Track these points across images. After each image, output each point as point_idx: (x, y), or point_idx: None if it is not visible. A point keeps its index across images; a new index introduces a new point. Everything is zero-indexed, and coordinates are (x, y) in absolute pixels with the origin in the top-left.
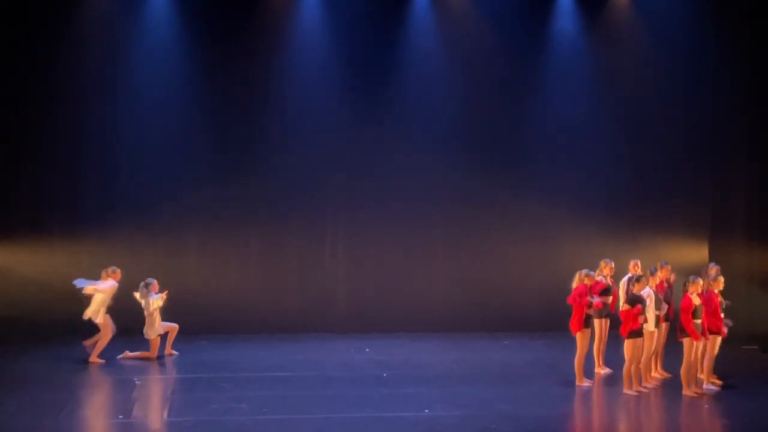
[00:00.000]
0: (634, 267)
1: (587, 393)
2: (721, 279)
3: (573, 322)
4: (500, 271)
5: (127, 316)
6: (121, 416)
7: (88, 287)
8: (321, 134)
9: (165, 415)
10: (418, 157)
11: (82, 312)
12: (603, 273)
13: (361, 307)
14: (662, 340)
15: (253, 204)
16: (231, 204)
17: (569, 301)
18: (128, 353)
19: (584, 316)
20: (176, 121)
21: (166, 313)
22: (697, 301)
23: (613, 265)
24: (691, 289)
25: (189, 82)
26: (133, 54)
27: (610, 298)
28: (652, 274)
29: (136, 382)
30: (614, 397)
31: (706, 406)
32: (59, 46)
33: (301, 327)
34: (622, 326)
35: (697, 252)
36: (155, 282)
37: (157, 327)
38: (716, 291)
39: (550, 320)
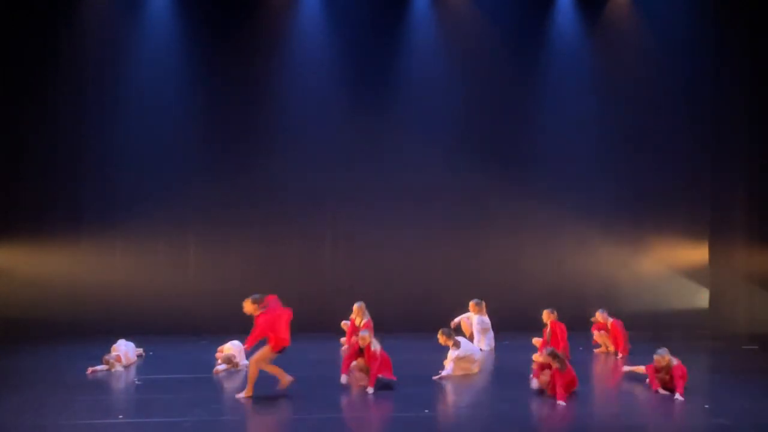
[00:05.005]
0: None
1: (587, 393)
2: (659, 358)
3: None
4: (500, 271)
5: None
6: (121, 416)
7: None
8: (321, 134)
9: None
10: (418, 157)
11: (82, 313)
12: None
13: None
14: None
15: (253, 204)
16: (231, 204)
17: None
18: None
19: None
20: (176, 121)
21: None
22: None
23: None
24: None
25: (189, 81)
26: (133, 54)
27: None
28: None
29: (137, 383)
30: (615, 397)
31: (707, 406)
32: (59, 46)
33: (301, 327)
34: None
35: (697, 252)
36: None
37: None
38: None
39: None
